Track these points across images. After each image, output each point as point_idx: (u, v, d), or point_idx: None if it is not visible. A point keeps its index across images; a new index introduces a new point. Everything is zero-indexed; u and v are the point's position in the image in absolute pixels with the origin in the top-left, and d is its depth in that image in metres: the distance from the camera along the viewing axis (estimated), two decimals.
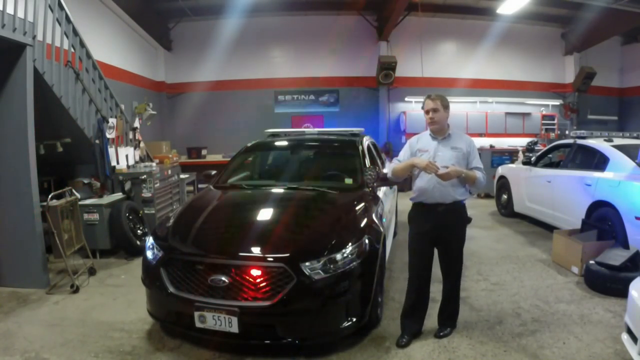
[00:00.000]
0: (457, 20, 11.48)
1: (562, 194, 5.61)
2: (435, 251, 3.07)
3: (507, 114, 11.66)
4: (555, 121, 11.90)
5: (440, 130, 2.96)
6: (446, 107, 2.93)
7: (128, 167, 6.18)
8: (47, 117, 4.76)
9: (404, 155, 3.08)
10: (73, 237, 4.43)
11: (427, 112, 2.93)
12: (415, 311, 3.09)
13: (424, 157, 2.92)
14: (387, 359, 2.84)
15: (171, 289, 2.84)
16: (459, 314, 3.24)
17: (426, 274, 3.05)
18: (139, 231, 5.40)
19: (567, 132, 10.39)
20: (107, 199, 5.35)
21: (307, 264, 2.72)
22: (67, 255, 4.20)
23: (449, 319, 3.17)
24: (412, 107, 11.33)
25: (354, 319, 2.85)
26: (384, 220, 3.63)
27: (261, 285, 2.70)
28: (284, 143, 4.84)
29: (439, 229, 2.94)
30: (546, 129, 11.72)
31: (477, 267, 4.69)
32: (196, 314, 2.70)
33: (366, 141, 4.80)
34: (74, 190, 4.67)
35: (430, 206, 2.92)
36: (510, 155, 9.48)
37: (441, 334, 3.09)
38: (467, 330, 3.21)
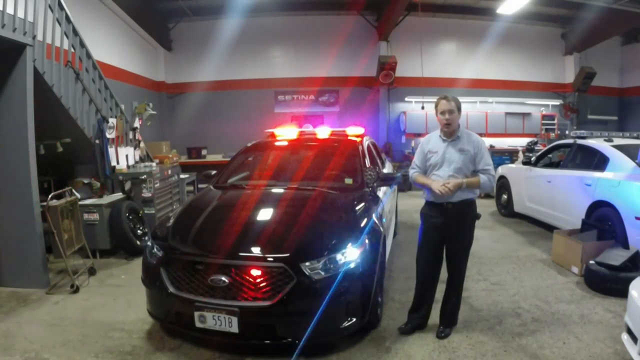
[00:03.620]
0: (457, 20, 11.48)
1: (562, 194, 5.61)
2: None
3: (507, 114, 11.67)
4: (555, 121, 11.90)
5: (452, 132, 3.01)
6: (459, 108, 3.01)
7: (128, 167, 6.18)
8: (47, 117, 4.76)
9: (418, 158, 3.17)
10: (73, 237, 4.43)
11: (442, 114, 2.97)
12: (420, 306, 3.17)
13: (433, 158, 3.03)
14: (387, 359, 2.84)
15: (171, 289, 2.84)
16: (458, 314, 3.25)
17: (432, 269, 3.12)
18: (139, 231, 5.39)
19: (567, 132, 10.40)
20: (107, 199, 5.35)
21: (307, 264, 2.72)
22: (67, 255, 4.20)
23: (448, 318, 3.18)
24: (412, 107, 11.34)
25: (354, 319, 2.85)
26: (384, 220, 3.63)
27: (261, 285, 2.70)
28: (284, 143, 4.84)
29: (448, 225, 3.00)
30: (546, 129, 11.72)
31: (477, 267, 4.69)
32: (196, 314, 2.70)
33: (366, 141, 4.79)
34: (74, 190, 4.67)
35: (438, 205, 3.01)
36: (510, 155, 9.49)
37: (442, 334, 3.10)
38: (467, 330, 3.21)
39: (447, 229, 3.02)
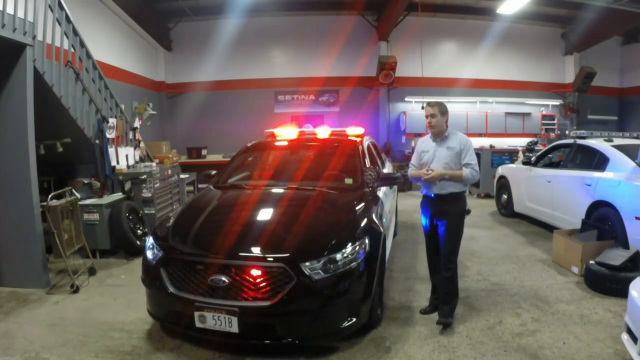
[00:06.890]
0: (457, 20, 11.48)
1: (562, 194, 5.61)
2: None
3: (507, 114, 11.67)
4: (555, 121, 11.90)
5: (438, 133, 3.36)
6: (443, 112, 3.33)
7: (128, 167, 6.18)
8: (47, 117, 4.75)
9: (414, 158, 3.58)
10: (73, 237, 4.43)
11: (426, 117, 3.37)
12: (437, 288, 3.47)
13: (425, 157, 3.42)
14: (387, 359, 2.84)
15: (171, 289, 2.84)
16: (453, 308, 3.32)
17: (434, 250, 3.46)
18: (139, 231, 5.40)
19: (567, 132, 10.40)
20: (107, 199, 5.34)
21: (307, 264, 2.72)
22: (67, 255, 4.20)
23: (442, 310, 3.27)
24: (412, 107, 11.34)
25: (354, 319, 2.85)
26: (384, 220, 3.63)
27: (261, 285, 2.70)
28: (284, 143, 4.84)
29: (436, 214, 3.37)
30: (546, 129, 11.73)
31: (477, 267, 4.69)
32: (196, 314, 2.70)
33: (366, 141, 4.79)
34: (74, 190, 4.66)
35: (430, 197, 3.40)
36: (510, 155, 9.47)
37: (440, 323, 3.20)
38: (467, 330, 3.21)
39: (436, 220, 3.36)
